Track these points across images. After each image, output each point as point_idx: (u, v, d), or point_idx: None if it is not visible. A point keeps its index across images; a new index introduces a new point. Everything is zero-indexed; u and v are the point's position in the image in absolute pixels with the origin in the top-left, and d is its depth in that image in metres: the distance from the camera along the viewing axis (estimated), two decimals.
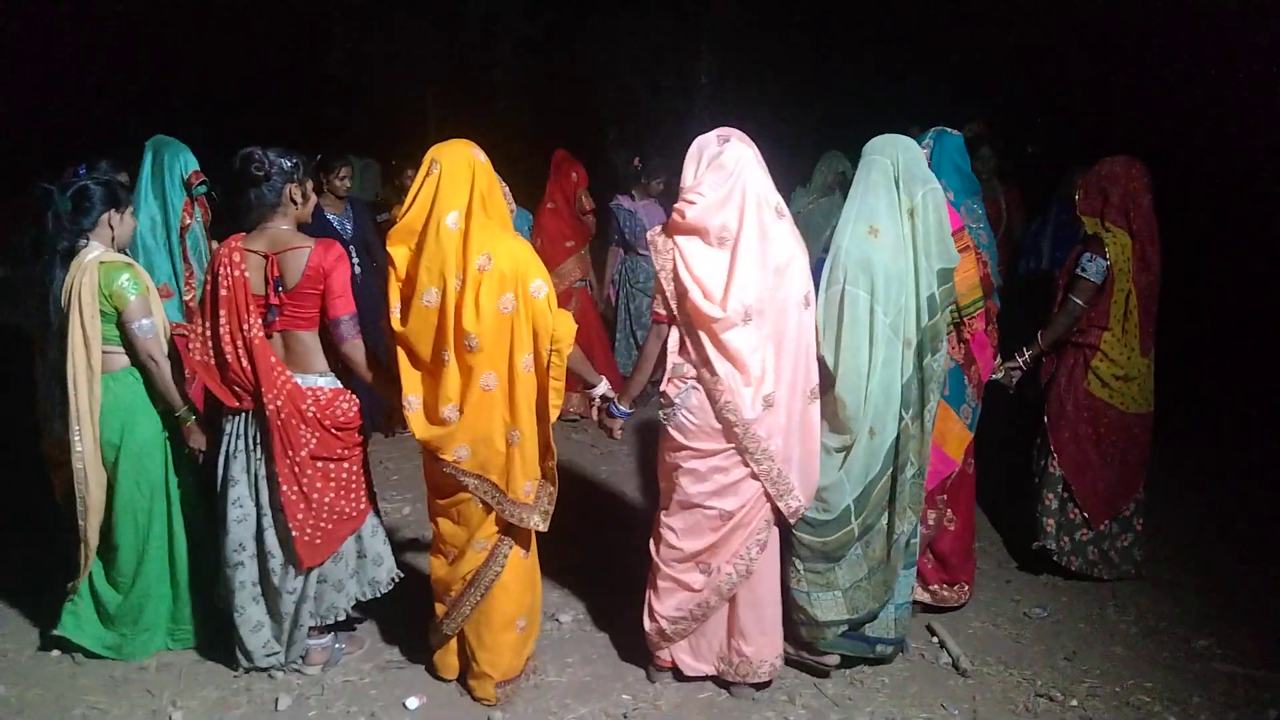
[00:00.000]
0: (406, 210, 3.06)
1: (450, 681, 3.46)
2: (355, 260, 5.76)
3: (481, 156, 3.10)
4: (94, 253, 3.35)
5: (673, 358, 3.18)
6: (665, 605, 3.34)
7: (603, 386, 3.47)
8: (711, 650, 3.40)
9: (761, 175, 3.09)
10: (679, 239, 3.12)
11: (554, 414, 3.17)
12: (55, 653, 3.62)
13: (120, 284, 3.31)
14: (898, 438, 3.34)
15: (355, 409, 3.36)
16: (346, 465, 3.36)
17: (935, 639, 3.81)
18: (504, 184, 3.34)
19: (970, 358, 3.79)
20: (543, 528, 3.22)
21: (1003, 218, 5.51)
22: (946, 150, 3.84)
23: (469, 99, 14.17)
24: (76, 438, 3.38)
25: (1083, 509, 4.20)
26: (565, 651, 3.70)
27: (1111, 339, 4.08)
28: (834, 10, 10.65)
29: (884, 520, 3.41)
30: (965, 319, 3.68)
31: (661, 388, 3.23)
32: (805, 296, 3.13)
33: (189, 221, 4.36)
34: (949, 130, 3.91)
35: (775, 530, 3.30)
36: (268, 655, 3.44)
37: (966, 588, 4.00)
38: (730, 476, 3.17)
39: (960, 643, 3.76)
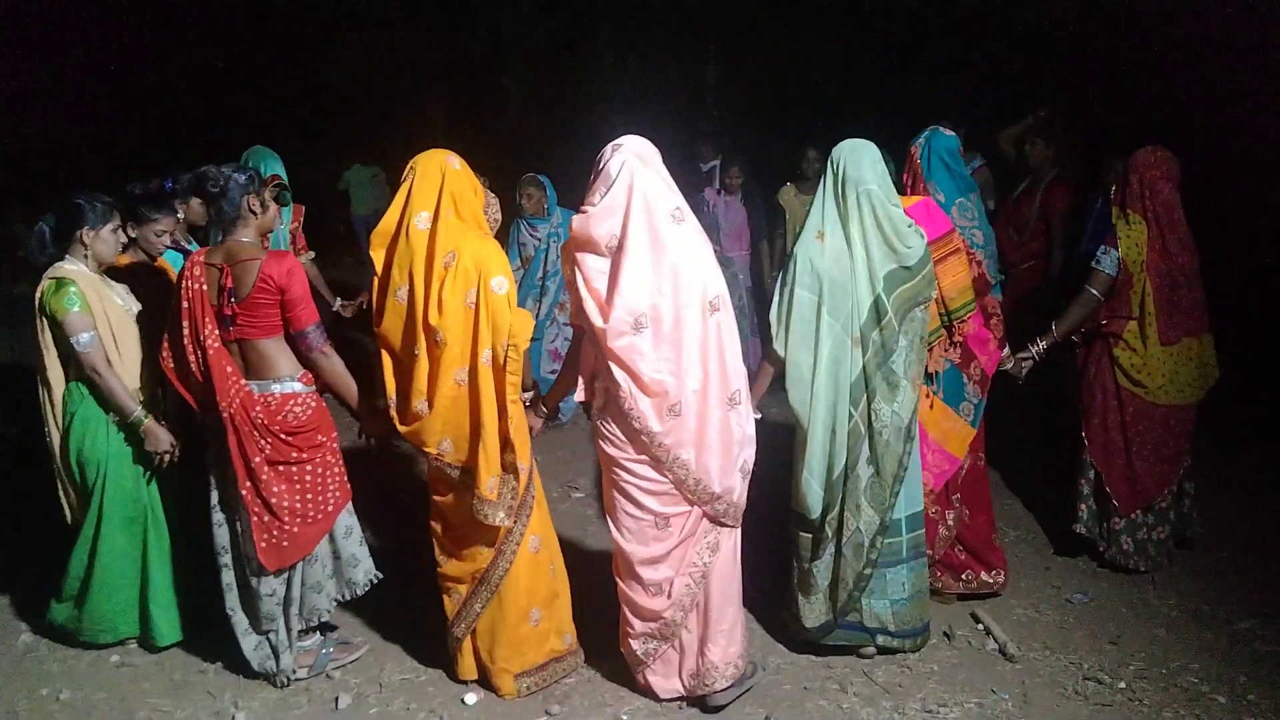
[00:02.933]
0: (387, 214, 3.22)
1: (475, 682, 3.49)
2: None
3: (456, 164, 3.23)
4: (56, 265, 3.52)
5: (594, 366, 3.19)
6: (635, 625, 3.31)
7: (527, 396, 3.47)
8: (684, 668, 3.35)
9: (653, 180, 3.06)
10: (576, 252, 3.12)
11: (512, 409, 3.18)
12: (115, 657, 3.70)
13: (58, 298, 3.43)
14: (849, 435, 3.40)
15: (309, 413, 3.39)
16: (309, 469, 3.40)
17: (981, 626, 3.85)
18: (491, 194, 3.46)
19: (969, 355, 3.81)
20: (506, 524, 3.23)
21: (1034, 209, 5.43)
22: (936, 151, 3.91)
23: (478, 107, 14.26)
24: (50, 439, 3.62)
25: (1113, 497, 4.24)
26: (615, 644, 3.73)
27: (1134, 327, 4.13)
28: (847, 10, 10.67)
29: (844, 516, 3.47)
30: (955, 321, 3.70)
31: (578, 398, 3.29)
32: (712, 302, 3.07)
33: None
34: (943, 130, 3.97)
35: (729, 530, 3.27)
36: (263, 660, 3.49)
37: (1002, 573, 4.03)
38: (657, 485, 3.15)
39: (1005, 629, 3.80)
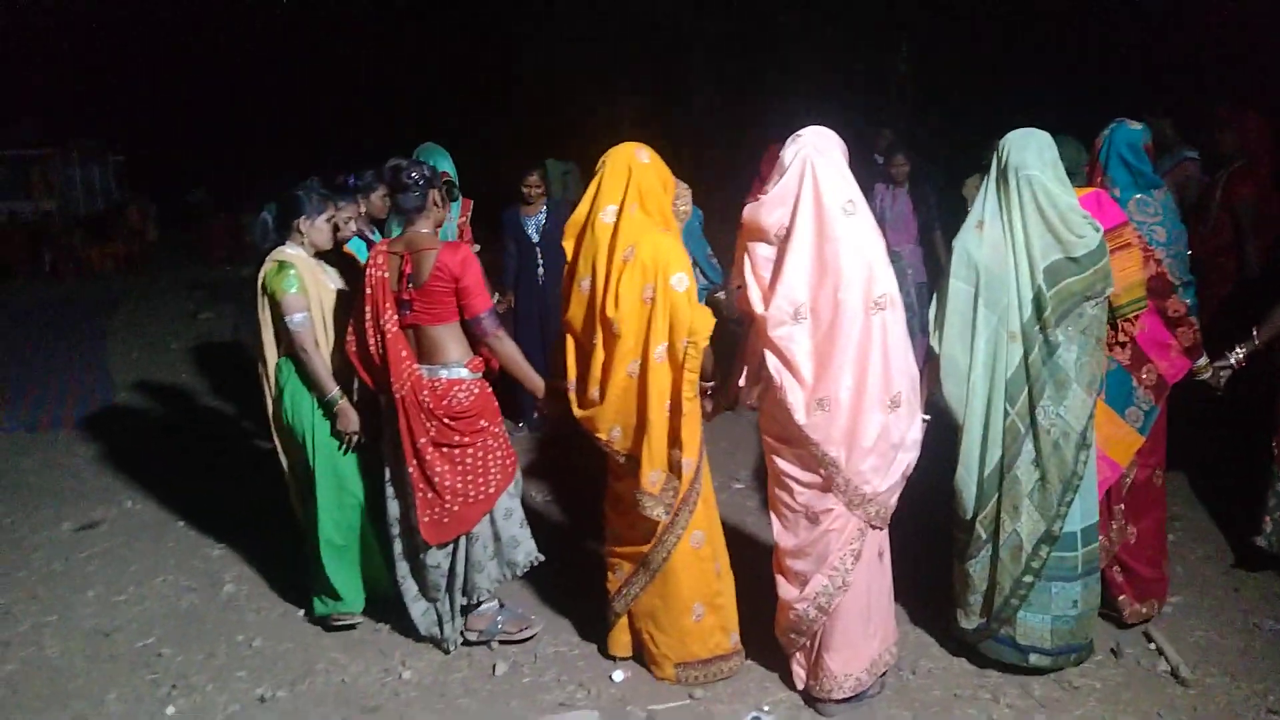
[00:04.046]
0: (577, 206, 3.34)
1: (628, 659, 3.59)
2: (540, 263, 6.00)
3: (645, 158, 3.29)
4: (279, 249, 3.78)
5: (759, 356, 3.19)
6: (781, 615, 3.32)
7: (710, 385, 3.50)
8: (807, 666, 3.32)
9: (828, 171, 3.02)
10: (747, 241, 3.15)
11: (687, 406, 3.20)
12: (301, 612, 4.03)
13: (278, 279, 3.68)
14: (1004, 433, 3.27)
15: (472, 399, 3.53)
16: (471, 451, 3.54)
17: (1153, 645, 3.63)
18: (683, 184, 3.48)
19: (1140, 358, 3.58)
20: (665, 519, 3.26)
21: (1216, 200, 5.10)
22: (1115, 144, 3.74)
23: (664, 100, 14.46)
24: (270, 413, 3.90)
25: None
26: (764, 639, 3.75)
27: None
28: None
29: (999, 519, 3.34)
30: (1120, 320, 3.48)
31: (740, 382, 3.31)
32: (878, 299, 3.00)
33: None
34: (1128, 123, 3.78)
35: (872, 538, 3.18)
36: (429, 626, 3.70)
37: (1156, 604, 3.78)
38: (809, 478, 3.11)
39: (1181, 651, 3.57)
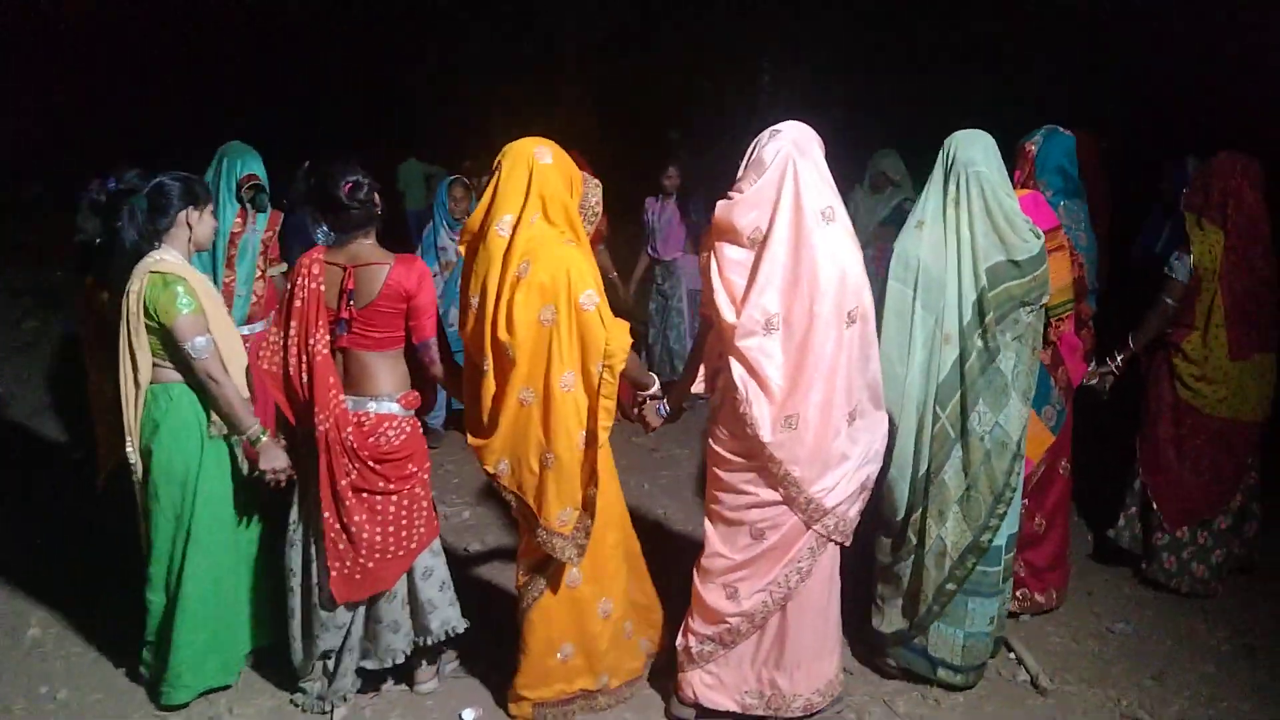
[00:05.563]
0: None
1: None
2: None
3: (546, 157, 2.94)
4: (155, 259, 3.13)
5: (718, 363, 3.02)
6: (697, 623, 3.15)
7: (655, 388, 3.34)
8: (739, 682, 3.16)
9: (809, 173, 2.84)
10: (716, 240, 2.95)
11: (603, 436, 2.97)
12: (112, 662, 3.63)
13: (167, 298, 3.05)
14: (932, 439, 3.21)
15: (402, 438, 3.14)
16: (394, 500, 3.14)
17: (1012, 655, 3.62)
18: (592, 179, 3.16)
19: (1058, 359, 3.64)
20: (576, 562, 3.03)
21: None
22: (1053, 151, 3.82)
23: (536, 106, 14.23)
24: (130, 450, 3.21)
25: (1158, 510, 4.05)
26: None
27: (1196, 338, 3.93)
28: (903, 13, 10.45)
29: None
30: (1053, 320, 3.50)
31: (695, 390, 3.15)
32: (850, 312, 2.85)
33: (240, 229, 4.35)
34: (1062, 131, 3.86)
35: (825, 558, 3.04)
36: (311, 683, 3.31)
37: (1054, 593, 3.88)
38: (762, 493, 2.95)
39: (1039, 659, 3.58)
